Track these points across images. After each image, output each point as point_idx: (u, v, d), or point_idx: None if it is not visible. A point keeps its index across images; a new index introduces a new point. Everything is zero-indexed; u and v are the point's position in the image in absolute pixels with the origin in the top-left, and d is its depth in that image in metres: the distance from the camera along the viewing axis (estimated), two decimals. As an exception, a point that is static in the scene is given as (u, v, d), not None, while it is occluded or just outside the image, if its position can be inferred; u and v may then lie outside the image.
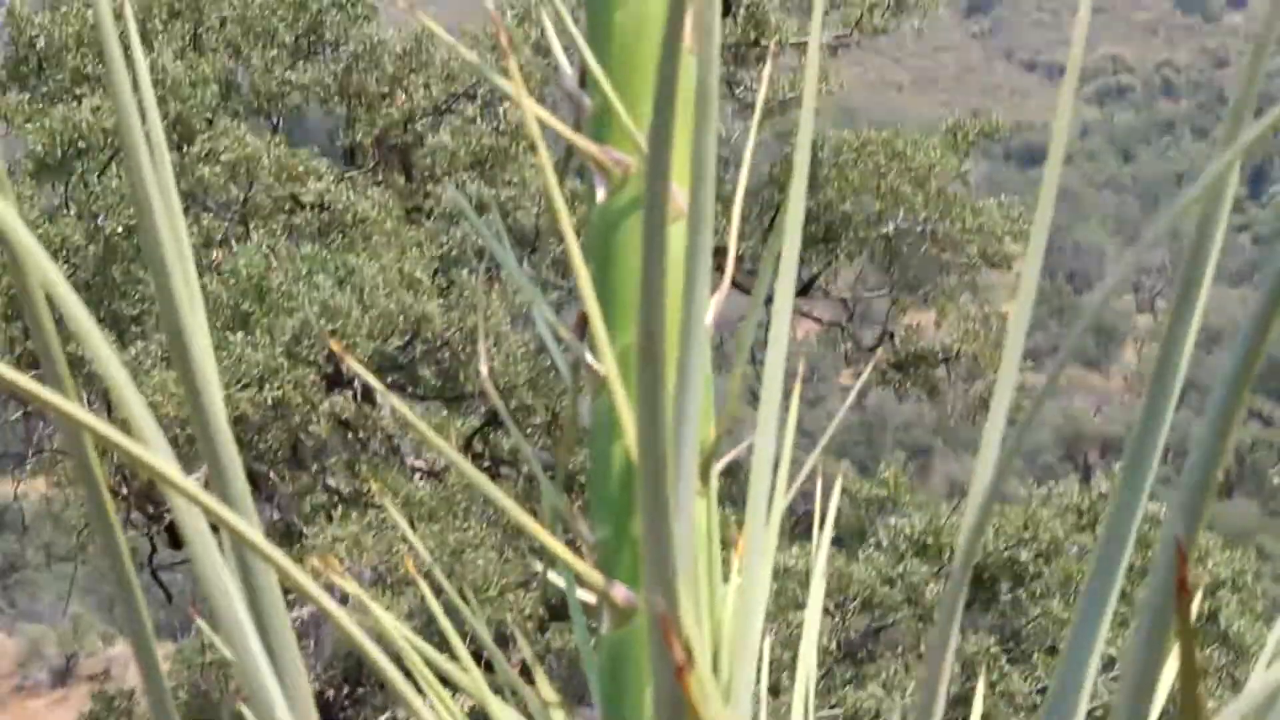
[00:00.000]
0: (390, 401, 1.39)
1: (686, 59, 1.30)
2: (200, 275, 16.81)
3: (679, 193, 1.27)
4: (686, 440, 1.01)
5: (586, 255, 1.34)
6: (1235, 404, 0.86)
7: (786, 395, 1.45)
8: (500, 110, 18.71)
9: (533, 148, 1.22)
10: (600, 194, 1.36)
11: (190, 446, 11.33)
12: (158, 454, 0.94)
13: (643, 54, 1.38)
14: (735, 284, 1.37)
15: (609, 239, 1.35)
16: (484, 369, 1.75)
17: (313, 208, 17.43)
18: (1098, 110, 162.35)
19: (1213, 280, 0.99)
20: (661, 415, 0.87)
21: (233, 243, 17.12)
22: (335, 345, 1.50)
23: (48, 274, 0.95)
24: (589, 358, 1.30)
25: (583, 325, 1.33)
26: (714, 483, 1.32)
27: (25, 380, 0.79)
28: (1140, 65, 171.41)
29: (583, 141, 1.35)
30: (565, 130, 1.36)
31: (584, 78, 1.40)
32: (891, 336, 21.38)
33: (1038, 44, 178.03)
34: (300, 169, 17.21)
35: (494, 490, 1.25)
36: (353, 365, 1.39)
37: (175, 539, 17.43)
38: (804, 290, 20.18)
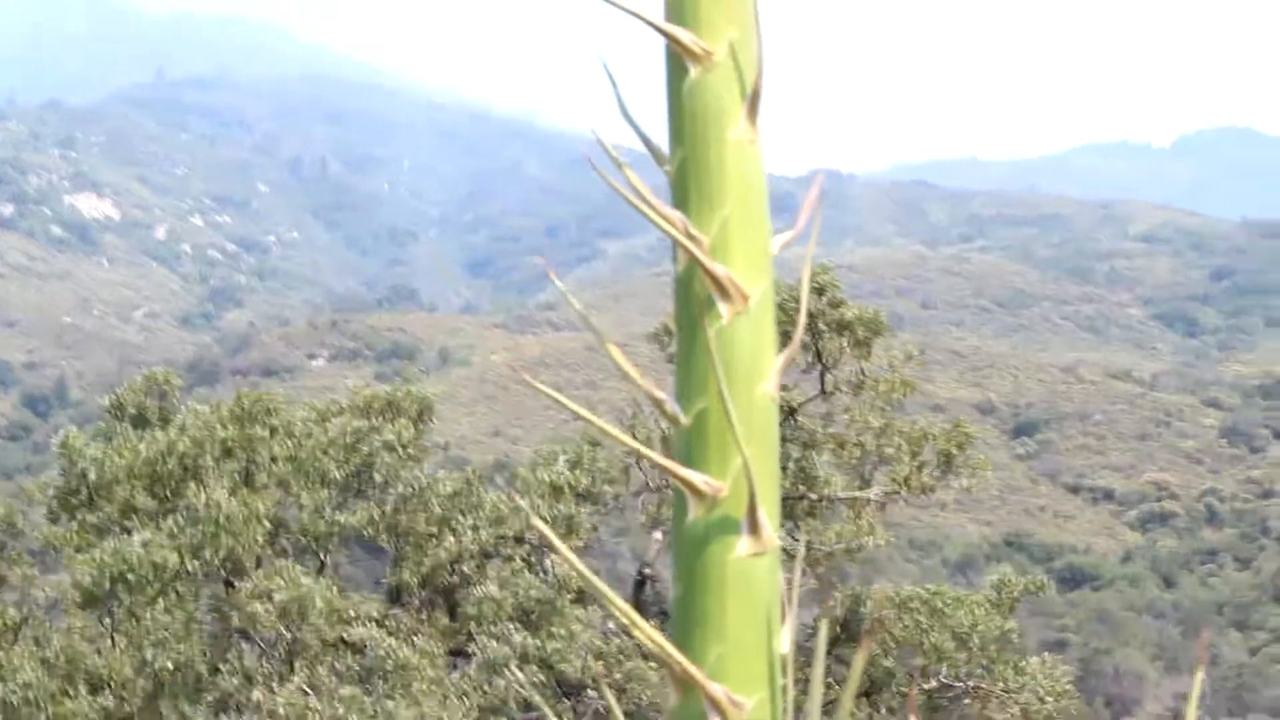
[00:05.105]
0: None
1: None
2: (240, 713, 16.85)
3: None
4: None
5: None
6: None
7: None
8: (549, 563, 18.89)
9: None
10: None
11: None
12: None
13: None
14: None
15: None
16: None
17: (357, 650, 17.48)
18: (1140, 535, 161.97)
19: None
20: None
21: (275, 681, 17.12)
22: None
23: None
24: None
25: None
26: None
27: None
28: (1184, 492, 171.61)
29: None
30: None
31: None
32: (934, 795, 21.12)
33: (1081, 468, 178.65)
34: (351, 613, 17.33)
35: None
36: None
37: None
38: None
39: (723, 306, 1.57)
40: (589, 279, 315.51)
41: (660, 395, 1.62)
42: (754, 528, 1.56)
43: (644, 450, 1.70)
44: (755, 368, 1.58)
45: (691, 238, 1.58)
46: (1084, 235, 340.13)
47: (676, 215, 1.60)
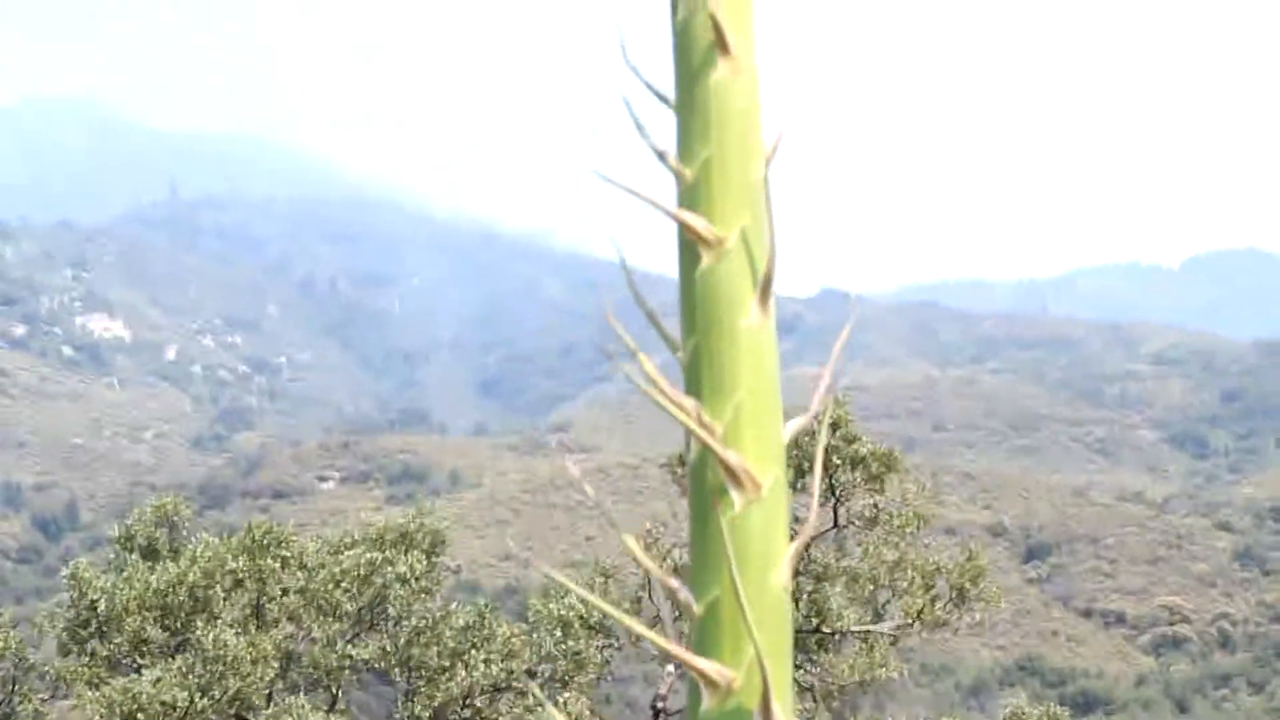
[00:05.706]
0: None
1: None
2: None
3: None
4: None
5: None
6: None
7: None
8: (562, 700, 18.73)
9: None
10: None
11: None
12: None
13: None
14: None
15: None
16: None
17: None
18: (1153, 660, 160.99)
19: None
20: None
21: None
22: None
23: None
24: None
25: None
26: None
27: None
28: (1197, 616, 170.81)
29: None
30: None
31: None
32: None
33: (1094, 591, 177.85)
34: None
35: None
36: None
37: None
38: None
39: (735, 494, 1.56)
40: (600, 400, 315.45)
41: (674, 584, 1.61)
42: (767, 718, 1.55)
43: (657, 640, 1.69)
44: (768, 555, 1.57)
45: (705, 426, 1.58)
46: (1094, 356, 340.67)
47: (690, 403, 1.60)
